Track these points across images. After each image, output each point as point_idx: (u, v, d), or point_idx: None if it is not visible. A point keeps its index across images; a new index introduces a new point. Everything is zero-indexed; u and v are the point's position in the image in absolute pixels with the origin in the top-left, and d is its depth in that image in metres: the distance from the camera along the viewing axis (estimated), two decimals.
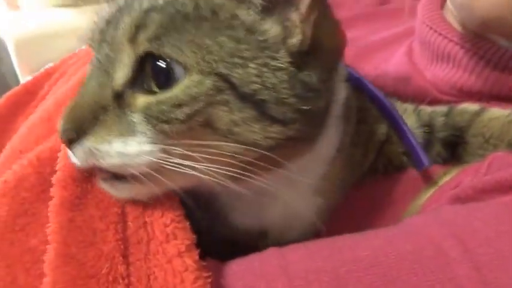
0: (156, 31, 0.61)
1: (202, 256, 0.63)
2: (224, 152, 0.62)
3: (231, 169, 0.63)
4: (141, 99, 0.62)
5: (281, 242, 0.80)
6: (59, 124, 0.63)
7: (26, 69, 2.26)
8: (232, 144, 0.62)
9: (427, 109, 0.95)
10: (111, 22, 0.66)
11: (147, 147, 0.61)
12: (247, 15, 0.64)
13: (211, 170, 0.62)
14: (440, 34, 1.03)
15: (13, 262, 0.64)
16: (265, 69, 0.62)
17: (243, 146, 0.62)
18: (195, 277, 0.60)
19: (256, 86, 0.61)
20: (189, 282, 0.60)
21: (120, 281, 0.60)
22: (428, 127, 0.92)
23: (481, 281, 0.57)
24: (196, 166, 0.61)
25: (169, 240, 0.63)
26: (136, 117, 0.62)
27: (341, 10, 1.07)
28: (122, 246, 0.62)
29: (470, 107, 0.93)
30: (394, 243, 0.64)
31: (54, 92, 0.96)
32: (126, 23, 0.63)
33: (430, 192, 0.83)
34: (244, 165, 0.64)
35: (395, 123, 0.88)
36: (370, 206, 0.89)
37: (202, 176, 0.62)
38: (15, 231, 0.66)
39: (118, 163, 0.62)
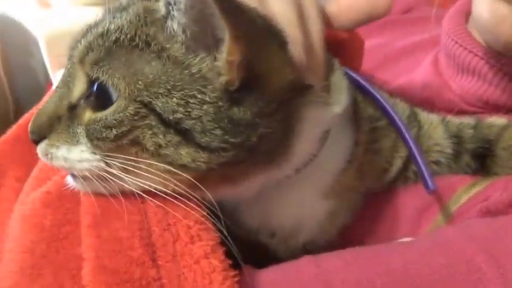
0: (97, 56, 0.64)
1: (228, 255, 0.64)
2: (159, 169, 0.65)
3: (174, 183, 0.65)
4: (87, 114, 0.66)
5: (289, 243, 0.82)
6: (29, 126, 0.69)
7: (56, 65, 2.26)
8: (163, 164, 0.64)
9: (454, 120, 0.94)
10: (77, 41, 0.69)
11: (88, 156, 0.66)
12: (176, 49, 0.64)
13: (152, 184, 0.66)
14: (465, 48, 1.03)
15: (59, 269, 0.65)
16: (191, 101, 0.62)
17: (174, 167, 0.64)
18: (222, 278, 0.61)
19: (180, 115, 0.62)
20: (217, 283, 0.60)
21: (153, 284, 0.61)
22: (457, 138, 0.90)
23: None
24: (134, 180, 0.65)
25: (194, 242, 0.64)
26: (81, 130, 0.67)
27: None
28: (149, 251, 0.63)
29: (498, 120, 0.92)
30: (427, 256, 0.63)
31: None
32: (81, 45, 0.67)
33: (460, 202, 0.83)
34: (189, 180, 0.65)
35: (406, 144, 0.86)
36: (393, 214, 0.89)
37: (144, 187, 0.66)
38: (59, 239, 0.67)
39: (63, 165, 0.68)
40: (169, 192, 0.66)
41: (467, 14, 1.09)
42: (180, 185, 0.65)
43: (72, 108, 0.68)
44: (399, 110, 0.91)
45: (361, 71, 1.03)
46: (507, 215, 0.71)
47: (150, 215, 0.66)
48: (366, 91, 0.87)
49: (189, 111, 0.62)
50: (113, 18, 0.68)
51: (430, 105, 1.02)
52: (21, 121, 0.92)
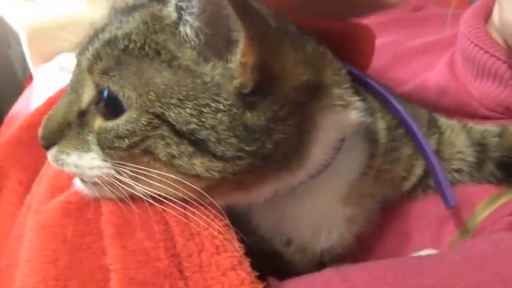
0: (106, 65, 0.66)
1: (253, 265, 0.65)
2: (171, 178, 0.66)
3: (184, 192, 0.67)
4: (98, 122, 0.68)
5: (306, 252, 0.82)
6: (39, 131, 0.71)
7: (38, 58, 2.24)
8: (176, 174, 0.66)
9: (477, 127, 0.95)
10: (85, 47, 0.70)
11: (98, 163, 0.68)
12: (187, 57, 0.65)
13: (161, 192, 0.67)
14: (486, 52, 1.02)
15: (85, 281, 0.66)
16: (205, 110, 0.63)
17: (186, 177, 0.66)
18: None
19: (193, 126, 0.63)
20: None
21: None
22: (481, 146, 0.91)
23: None
24: (144, 187, 0.67)
25: (220, 253, 0.65)
26: (91, 137, 0.68)
27: (376, 15, 1.07)
28: (175, 262, 0.64)
29: None
30: (459, 273, 0.64)
31: None
32: (89, 52, 0.68)
33: (486, 213, 0.83)
34: (200, 189, 0.66)
35: (425, 158, 0.86)
36: (411, 222, 0.89)
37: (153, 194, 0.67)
38: (82, 250, 0.68)
39: (73, 171, 0.70)
40: (178, 200, 0.67)
41: (485, 15, 1.09)
42: (189, 193, 0.67)
43: (82, 114, 0.70)
44: (418, 116, 0.92)
45: (370, 69, 1.03)
46: None
47: (172, 225, 0.67)
48: (384, 98, 0.87)
49: (203, 121, 0.63)
50: (119, 22, 0.69)
51: (446, 110, 1.02)
52: (22, 123, 0.92)
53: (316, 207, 0.81)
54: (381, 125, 0.84)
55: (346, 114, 0.74)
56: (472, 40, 1.05)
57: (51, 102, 0.95)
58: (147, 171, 0.66)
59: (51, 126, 0.70)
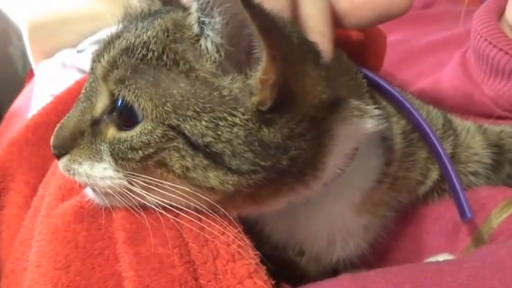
0: (122, 74, 0.64)
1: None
2: (184, 191, 0.65)
3: (197, 202, 0.66)
4: (111, 132, 0.67)
5: (321, 261, 0.82)
6: (51, 140, 0.70)
7: (39, 54, 2.24)
8: (190, 186, 0.65)
9: (494, 128, 0.94)
10: (100, 54, 0.69)
11: (110, 173, 0.67)
12: (205, 69, 0.64)
13: (173, 202, 0.67)
14: (501, 49, 1.01)
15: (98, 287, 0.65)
16: (221, 123, 0.62)
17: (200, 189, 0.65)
18: None
19: (209, 139, 0.62)
20: None
21: None
22: (497, 148, 0.90)
23: None
24: (156, 198, 0.66)
25: (236, 260, 0.64)
26: (104, 147, 0.67)
27: None
28: (190, 269, 0.64)
29: None
30: (480, 279, 0.63)
31: None
32: (105, 60, 0.67)
33: (502, 217, 0.81)
34: (213, 201, 0.66)
35: (443, 168, 0.83)
36: (426, 227, 0.88)
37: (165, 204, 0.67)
38: (94, 256, 0.67)
39: (84, 181, 0.69)
40: (190, 210, 0.67)
41: (498, 12, 1.08)
42: (202, 205, 0.66)
43: (95, 123, 0.69)
44: (433, 119, 0.91)
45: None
46: None
47: (186, 231, 0.67)
48: (399, 103, 0.85)
49: (219, 134, 0.62)
50: (137, 30, 0.68)
51: (459, 110, 1.01)
52: (29, 122, 0.91)
53: (330, 217, 0.80)
54: (397, 129, 0.83)
55: (362, 123, 0.73)
56: (485, 38, 1.04)
57: (58, 102, 0.95)
58: (160, 182, 0.65)
59: (63, 135, 0.70)
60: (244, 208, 0.69)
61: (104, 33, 2.06)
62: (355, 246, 0.82)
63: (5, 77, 2.50)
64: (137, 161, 0.65)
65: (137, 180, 0.65)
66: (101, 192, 0.68)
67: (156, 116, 0.63)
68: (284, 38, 0.62)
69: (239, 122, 0.62)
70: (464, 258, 0.72)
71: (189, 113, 0.62)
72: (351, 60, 0.78)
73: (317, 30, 0.71)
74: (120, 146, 0.65)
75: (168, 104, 0.62)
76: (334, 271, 0.84)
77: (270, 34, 0.58)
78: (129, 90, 0.64)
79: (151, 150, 0.63)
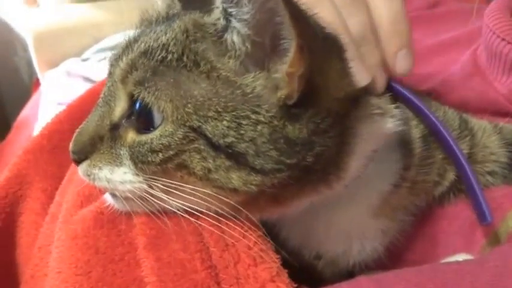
0: (142, 76, 0.65)
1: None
2: (205, 193, 0.65)
3: (219, 205, 0.66)
4: (130, 135, 0.67)
5: (337, 264, 0.82)
6: (70, 146, 0.70)
7: (45, 64, 2.25)
8: (211, 188, 0.65)
9: (510, 127, 0.93)
10: (118, 58, 0.70)
11: (130, 177, 0.67)
12: (227, 68, 0.64)
13: (194, 205, 0.66)
14: None
15: None
16: (244, 122, 0.62)
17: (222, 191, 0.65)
18: None
19: (231, 139, 0.62)
20: None
21: None
22: None
23: None
24: (177, 201, 0.66)
25: (258, 264, 0.63)
26: (124, 151, 0.67)
27: None
28: (212, 274, 0.63)
29: None
30: (505, 279, 0.62)
31: None
32: (123, 62, 0.67)
33: None
34: (236, 203, 0.66)
35: (462, 172, 0.82)
36: (441, 227, 0.88)
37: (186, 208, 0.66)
38: (115, 262, 0.67)
39: (105, 186, 0.69)
40: (211, 213, 0.66)
41: (511, 8, 1.07)
42: (224, 207, 0.66)
43: (114, 127, 0.69)
44: (449, 120, 0.90)
45: None
46: None
47: (206, 235, 0.66)
48: (416, 106, 0.84)
49: (242, 134, 0.62)
50: (155, 33, 0.68)
51: (472, 108, 1.00)
52: (43, 130, 0.91)
53: (347, 221, 0.80)
54: (416, 133, 0.82)
55: (383, 122, 0.73)
56: (498, 34, 1.02)
57: (71, 110, 0.95)
58: (181, 185, 0.65)
59: (82, 140, 0.69)
60: (267, 210, 0.69)
61: (108, 42, 2.08)
62: (372, 250, 0.82)
63: (11, 87, 2.51)
64: (157, 164, 0.64)
65: (157, 184, 0.65)
66: (121, 196, 0.68)
67: (177, 118, 0.63)
68: (311, 29, 0.62)
69: (263, 120, 0.62)
70: (485, 258, 0.71)
71: (210, 114, 0.62)
72: None
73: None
74: (140, 149, 0.65)
75: (189, 106, 0.62)
76: (349, 273, 0.84)
77: (299, 23, 0.58)
78: (149, 92, 0.64)
79: (171, 152, 0.63)
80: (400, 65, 0.76)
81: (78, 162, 0.70)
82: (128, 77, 0.66)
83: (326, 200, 0.72)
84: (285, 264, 0.65)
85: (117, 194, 0.68)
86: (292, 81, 0.61)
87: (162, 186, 0.65)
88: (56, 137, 0.91)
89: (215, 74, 0.63)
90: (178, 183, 0.65)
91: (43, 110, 1.95)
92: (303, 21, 0.60)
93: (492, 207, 0.78)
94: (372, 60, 0.73)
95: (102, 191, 0.72)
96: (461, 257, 0.79)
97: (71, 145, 0.70)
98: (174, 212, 0.67)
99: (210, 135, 0.62)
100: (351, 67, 0.68)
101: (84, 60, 2.22)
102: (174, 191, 0.65)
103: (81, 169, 0.70)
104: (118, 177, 0.67)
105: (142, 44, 0.67)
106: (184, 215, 0.66)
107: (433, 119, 0.81)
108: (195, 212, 0.66)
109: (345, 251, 0.81)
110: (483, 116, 0.97)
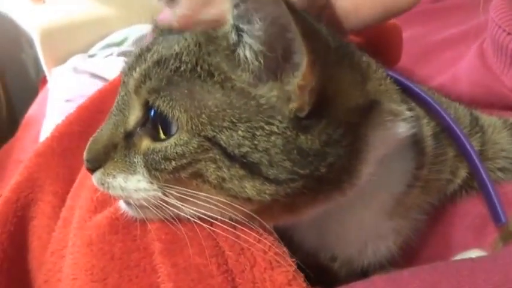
0: (157, 85, 0.64)
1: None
2: (219, 201, 0.64)
3: (233, 212, 0.65)
4: (145, 143, 0.67)
5: (352, 265, 0.81)
6: (84, 154, 0.69)
7: (52, 60, 2.25)
8: (225, 197, 0.64)
9: None
10: (131, 68, 0.69)
11: (145, 185, 0.66)
12: (242, 79, 0.63)
13: (209, 212, 0.66)
14: None
15: None
16: (258, 133, 0.61)
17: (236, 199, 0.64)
18: None
19: (246, 149, 0.62)
20: None
21: None
22: None
23: None
24: (191, 208, 0.66)
25: (274, 268, 0.63)
26: (138, 159, 0.67)
27: None
28: (229, 278, 0.63)
29: None
30: None
31: None
32: (137, 72, 0.67)
33: None
34: (249, 211, 0.65)
35: (476, 172, 0.82)
36: (452, 223, 0.87)
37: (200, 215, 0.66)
38: (130, 268, 0.66)
39: (119, 194, 0.68)
40: (226, 220, 0.66)
41: None
42: (238, 214, 0.65)
43: (129, 136, 0.69)
44: (460, 117, 0.89)
45: (398, 66, 1.00)
46: None
47: (221, 239, 0.66)
48: (427, 104, 0.84)
49: (256, 144, 0.61)
50: (166, 42, 0.68)
51: (480, 103, 0.99)
52: (54, 132, 0.90)
53: (362, 223, 0.79)
54: (427, 131, 0.81)
55: (395, 128, 0.72)
56: (504, 28, 1.01)
57: (81, 111, 0.95)
58: (195, 193, 0.64)
59: (96, 148, 0.69)
60: (280, 218, 0.69)
61: (114, 37, 2.07)
62: (386, 250, 0.81)
63: (18, 84, 2.51)
64: (170, 172, 0.64)
65: (172, 192, 0.65)
66: (136, 204, 0.68)
67: (192, 128, 0.62)
68: (322, 42, 0.62)
69: (276, 131, 0.61)
70: (498, 255, 0.71)
71: (225, 124, 0.61)
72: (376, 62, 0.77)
73: None
74: (154, 156, 0.65)
75: (204, 116, 0.62)
76: (363, 272, 0.83)
77: (310, 39, 0.58)
78: (164, 101, 0.63)
79: (185, 161, 0.63)
80: None
81: (92, 170, 0.69)
82: (141, 86, 0.65)
83: (339, 204, 0.71)
84: (299, 267, 0.65)
85: (132, 202, 0.68)
86: (303, 94, 0.61)
87: (176, 194, 0.65)
88: (66, 139, 0.91)
89: (229, 85, 0.63)
90: (193, 191, 0.64)
91: (51, 107, 1.95)
92: (315, 37, 0.59)
93: (503, 201, 0.78)
94: None
95: (117, 199, 0.72)
96: (474, 253, 0.78)
97: (85, 153, 0.69)
98: (188, 219, 0.66)
99: (224, 145, 0.61)
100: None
101: (90, 56, 2.22)
102: (189, 199, 0.65)
103: (95, 178, 0.69)
104: (132, 186, 0.67)
105: (156, 54, 0.67)
106: (198, 221, 0.66)
107: (442, 113, 0.81)
108: (209, 219, 0.66)
109: (360, 252, 0.80)
110: (492, 111, 0.96)
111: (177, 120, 0.63)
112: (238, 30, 0.62)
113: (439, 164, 0.83)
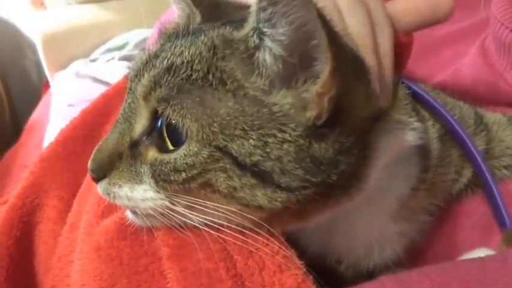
0: (167, 93, 0.62)
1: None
2: (229, 210, 0.63)
3: (241, 220, 0.64)
4: (151, 153, 0.65)
5: (358, 267, 0.80)
6: (88, 164, 0.68)
7: (54, 65, 2.25)
8: (236, 205, 0.63)
9: None
10: (138, 74, 0.67)
11: (151, 194, 0.65)
12: (255, 87, 0.61)
13: (217, 220, 0.64)
14: None
15: None
16: (270, 140, 0.60)
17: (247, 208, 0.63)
18: None
19: (257, 157, 0.60)
20: None
21: None
22: None
23: None
24: (199, 216, 0.65)
25: (283, 271, 0.62)
26: (144, 169, 0.65)
27: None
28: (238, 282, 0.62)
29: None
30: None
31: None
32: (145, 79, 0.65)
33: None
34: (260, 219, 0.64)
35: (481, 176, 0.82)
36: (457, 222, 0.86)
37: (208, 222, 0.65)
38: (139, 273, 0.65)
39: (125, 204, 0.67)
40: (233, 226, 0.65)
41: None
42: (246, 222, 0.64)
43: (134, 145, 0.67)
44: (465, 116, 0.89)
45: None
46: None
47: (229, 243, 0.65)
48: (433, 108, 0.83)
49: (268, 152, 0.60)
50: (175, 48, 0.66)
51: (483, 100, 0.98)
52: (58, 137, 0.89)
53: (367, 226, 0.79)
54: (433, 134, 0.81)
55: (403, 136, 0.72)
56: (506, 25, 1.00)
57: (85, 115, 0.94)
58: (204, 202, 0.63)
59: (101, 157, 0.68)
60: (289, 224, 0.68)
61: (115, 42, 2.07)
62: (392, 253, 0.81)
63: (21, 90, 2.51)
64: (180, 183, 0.63)
65: (179, 200, 0.64)
66: (142, 214, 0.66)
67: (202, 137, 0.61)
68: (343, 51, 0.61)
69: (289, 139, 0.60)
70: (507, 254, 0.70)
71: (236, 132, 0.60)
72: None
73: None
74: (163, 168, 0.63)
75: (215, 125, 0.60)
76: (368, 273, 0.83)
77: (335, 46, 0.57)
78: (174, 110, 0.61)
79: (195, 172, 0.61)
80: None
81: (97, 180, 0.68)
82: (150, 93, 0.63)
83: (345, 209, 0.70)
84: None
85: (138, 211, 0.67)
86: (322, 101, 0.59)
87: (184, 203, 0.64)
88: (71, 143, 0.89)
89: (242, 93, 0.61)
90: (202, 200, 0.63)
91: (54, 111, 1.95)
92: (338, 45, 0.58)
93: (508, 201, 0.78)
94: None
95: (123, 208, 0.71)
96: (481, 252, 0.77)
97: (89, 163, 0.68)
98: (197, 227, 0.65)
99: (235, 154, 0.60)
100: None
101: (92, 60, 2.22)
102: (197, 207, 0.64)
103: (100, 187, 0.68)
104: (139, 195, 0.65)
105: (165, 61, 0.65)
106: (205, 228, 0.65)
107: (448, 116, 0.81)
108: (217, 226, 0.65)
109: (366, 255, 0.80)
110: (495, 108, 0.95)
111: (187, 129, 0.61)
112: (261, 34, 0.60)
113: (445, 166, 0.82)
